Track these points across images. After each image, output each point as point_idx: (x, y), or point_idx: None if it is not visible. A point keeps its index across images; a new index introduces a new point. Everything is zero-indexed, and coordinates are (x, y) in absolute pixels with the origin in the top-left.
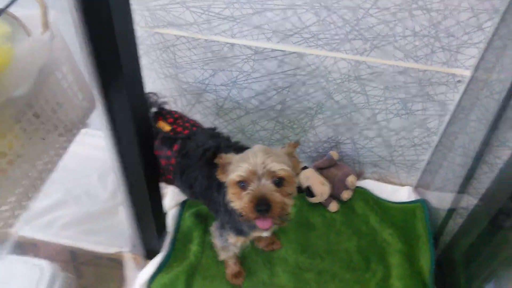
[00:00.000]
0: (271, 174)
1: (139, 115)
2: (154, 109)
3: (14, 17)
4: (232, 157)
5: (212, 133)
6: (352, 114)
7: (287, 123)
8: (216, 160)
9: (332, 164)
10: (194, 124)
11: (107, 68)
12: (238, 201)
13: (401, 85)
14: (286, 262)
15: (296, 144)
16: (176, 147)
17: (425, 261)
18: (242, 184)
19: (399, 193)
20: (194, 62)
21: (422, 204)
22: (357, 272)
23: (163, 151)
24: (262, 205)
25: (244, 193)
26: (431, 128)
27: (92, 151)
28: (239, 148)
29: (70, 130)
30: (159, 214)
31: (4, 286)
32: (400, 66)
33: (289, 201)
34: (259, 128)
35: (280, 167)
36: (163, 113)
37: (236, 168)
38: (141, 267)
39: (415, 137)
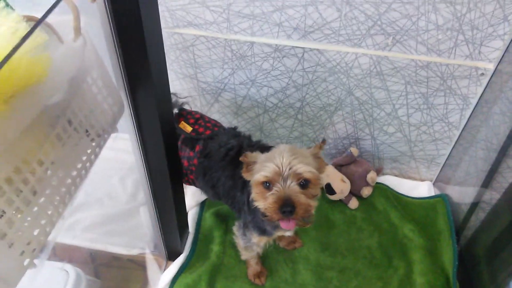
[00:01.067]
0: (297, 176)
1: (165, 117)
2: (175, 110)
3: (48, 24)
4: (257, 155)
5: (234, 132)
6: (373, 109)
7: (306, 120)
8: (241, 158)
9: (352, 160)
10: (216, 124)
11: (136, 72)
12: (262, 201)
13: (423, 80)
14: (308, 261)
15: (323, 144)
16: (198, 147)
17: (448, 257)
18: (267, 184)
19: (419, 189)
20: (213, 61)
21: (443, 199)
22: (379, 269)
23: (185, 152)
24: (286, 207)
25: (268, 193)
26: (452, 122)
27: (112, 153)
28: (262, 147)
29: (101, 136)
30: (182, 215)
31: None
32: (422, 60)
33: (314, 203)
34: (277, 126)
35: (306, 169)
36: (183, 114)
37: (261, 168)
38: (163, 268)
39: (436, 132)
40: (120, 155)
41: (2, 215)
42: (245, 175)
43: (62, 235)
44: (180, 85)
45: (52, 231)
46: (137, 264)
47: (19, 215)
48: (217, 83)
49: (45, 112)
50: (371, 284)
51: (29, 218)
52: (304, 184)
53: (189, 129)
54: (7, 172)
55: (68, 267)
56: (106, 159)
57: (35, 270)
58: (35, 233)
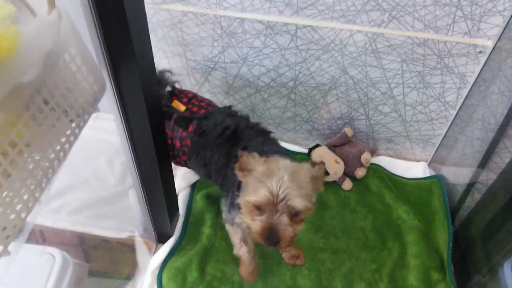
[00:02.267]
0: (290, 209)
1: (150, 95)
2: (168, 88)
3: None
4: (254, 161)
5: (229, 111)
6: (368, 88)
7: (299, 100)
8: (239, 155)
9: (346, 141)
10: (209, 103)
11: (118, 48)
12: (250, 220)
13: (420, 58)
14: (300, 242)
15: (324, 168)
16: (191, 127)
17: (442, 238)
18: (258, 207)
19: (414, 169)
20: (202, 39)
21: (438, 179)
22: (373, 251)
23: (178, 132)
24: (272, 238)
25: (257, 217)
26: (449, 101)
27: (97, 134)
28: (260, 131)
29: (80, 116)
30: (171, 197)
31: (17, 276)
32: (419, 37)
33: (300, 227)
34: (270, 106)
35: (301, 203)
36: (176, 93)
37: (256, 187)
38: (153, 251)
39: (432, 111)
40: (108, 136)
41: None
42: (238, 174)
43: (49, 218)
44: (168, 64)
45: (28, 216)
46: (126, 247)
47: None
48: (207, 62)
49: (18, 90)
50: (365, 266)
51: (2, 203)
52: (295, 214)
53: (182, 108)
54: None
55: (55, 251)
56: (93, 140)
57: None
58: (10, 218)
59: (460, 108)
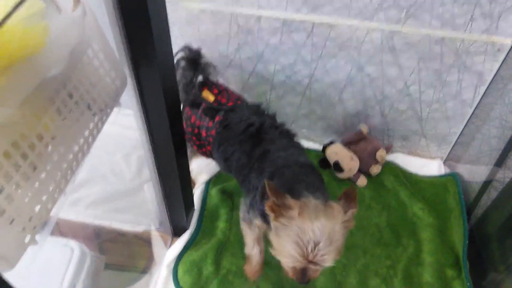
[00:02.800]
0: (322, 265)
1: (169, 90)
2: (200, 79)
3: None
4: (288, 204)
5: (257, 109)
6: (384, 86)
7: (315, 97)
8: (269, 190)
9: (361, 138)
10: (239, 98)
11: (140, 44)
12: (282, 256)
13: (437, 56)
14: None
15: (355, 212)
16: (218, 118)
17: (458, 236)
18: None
19: (429, 167)
20: (218, 36)
21: (454, 177)
22: (388, 247)
23: (204, 122)
24: (303, 279)
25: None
26: (465, 99)
27: (114, 129)
28: (285, 133)
29: (103, 110)
30: (187, 191)
31: (37, 267)
32: (437, 35)
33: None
34: (285, 103)
35: (332, 261)
36: (208, 83)
37: (289, 250)
38: (168, 245)
39: (448, 109)
40: (124, 131)
41: (1, 191)
42: (269, 214)
43: (66, 211)
44: None
45: (54, 207)
46: (142, 240)
47: (19, 191)
48: (223, 59)
49: (44, 85)
50: (380, 262)
51: (29, 194)
52: None
53: (211, 98)
54: (5, 146)
55: (73, 243)
56: (110, 135)
57: (39, 247)
58: (36, 209)
59: (477, 106)
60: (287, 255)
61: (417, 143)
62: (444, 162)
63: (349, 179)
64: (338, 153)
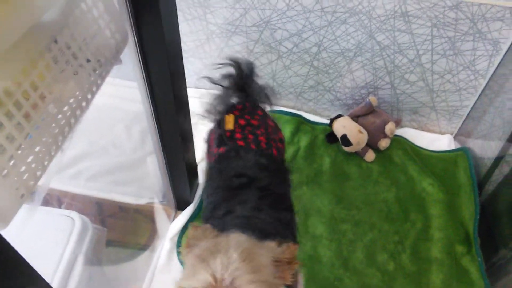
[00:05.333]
0: None
1: (172, 51)
2: (234, 100)
3: None
4: (204, 236)
5: (267, 165)
6: (395, 55)
7: (323, 67)
8: (190, 227)
9: (370, 111)
10: (260, 142)
11: None
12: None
13: (451, 22)
14: (321, 213)
15: (295, 249)
16: (222, 149)
17: (468, 211)
18: None
19: (439, 142)
20: (224, 0)
21: (465, 152)
22: (396, 223)
23: (212, 145)
24: None
25: None
26: (479, 70)
27: (114, 101)
28: (268, 195)
29: (103, 66)
30: (191, 163)
31: (37, 237)
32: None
33: None
34: (291, 74)
35: None
36: (244, 109)
37: (194, 270)
38: (172, 218)
39: (460, 81)
40: (125, 103)
41: None
42: (182, 252)
43: (67, 184)
44: (188, 27)
45: (50, 164)
46: (144, 216)
47: (11, 142)
48: (228, 25)
49: (39, 28)
50: (387, 238)
51: (23, 146)
52: None
53: (229, 126)
54: None
55: (74, 214)
56: (110, 107)
57: (34, 213)
58: (32, 163)
59: (490, 77)
60: (190, 276)
61: (427, 117)
62: (455, 137)
63: (356, 153)
64: (346, 126)
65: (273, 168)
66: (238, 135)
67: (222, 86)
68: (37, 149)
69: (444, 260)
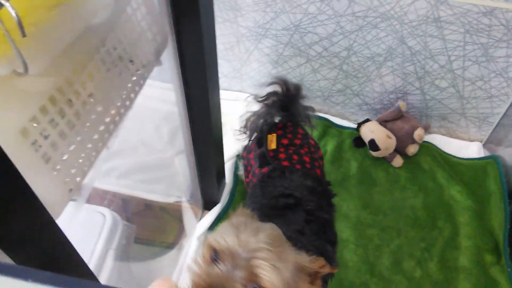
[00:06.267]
0: (251, 276)
1: (209, 54)
2: (277, 119)
3: None
4: (244, 214)
5: (313, 187)
6: (426, 61)
7: (351, 71)
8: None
9: (399, 116)
10: (305, 162)
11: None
12: (196, 265)
13: (485, 28)
14: (348, 218)
15: (323, 264)
16: (265, 169)
17: (498, 220)
18: (215, 255)
19: (468, 149)
20: (255, 4)
21: (495, 160)
22: (423, 230)
23: (254, 165)
24: None
25: (206, 265)
26: None
27: (145, 101)
28: (315, 217)
29: (145, 66)
30: (220, 164)
31: (69, 233)
32: (486, 6)
33: None
34: (320, 78)
35: (271, 276)
36: (286, 128)
37: (221, 231)
38: (199, 217)
39: (492, 88)
40: (155, 103)
41: (46, 137)
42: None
43: (99, 180)
44: (219, 30)
45: (96, 160)
46: (170, 215)
47: (63, 139)
48: (258, 29)
49: (90, 30)
50: (414, 244)
51: (73, 143)
52: None
53: (273, 146)
54: (50, 90)
55: (105, 210)
56: (141, 107)
57: (74, 211)
58: (80, 160)
59: None
60: (218, 234)
61: (457, 124)
62: (484, 145)
63: (384, 158)
64: (374, 131)
65: (319, 191)
66: (282, 156)
67: (266, 104)
68: (85, 145)
69: (472, 269)
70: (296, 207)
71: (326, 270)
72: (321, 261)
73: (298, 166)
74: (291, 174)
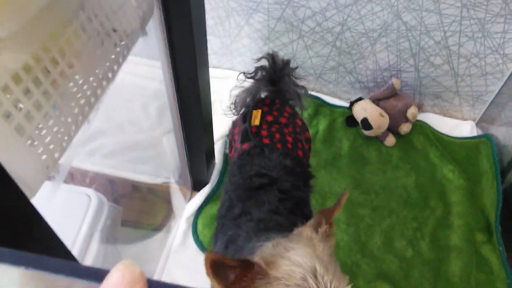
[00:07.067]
0: None
1: (198, 26)
2: (264, 94)
3: None
4: (263, 260)
5: (292, 167)
6: (421, 37)
7: (345, 48)
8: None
9: (392, 94)
10: (287, 142)
11: None
12: None
13: (482, 2)
14: (337, 196)
15: (340, 205)
16: (246, 145)
17: (490, 199)
18: None
19: (461, 128)
20: None
21: (488, 139)
22: (415, 209)
23: (237, 140)
24: None
25: None
26: (508, 54)
27: (132, 79)
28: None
29: (129, 36)
30: (210, 143)
31: (53, 213)
32: None
33: None
34: (312, 55)
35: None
36: (273, 105)
37: None
38: (188, 198)
39: (487, 65)
40: (142, 81)
41: (21, 108)
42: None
43: (82, 161)
44: (208, 3)
45: (76, 136)
46: (158, 196)
47: (38, 110)
48: (249, 2)
49: None
50: (406, 224)
51: (50, 115)
52: None
53: (256, 122)
54: (24, 57)
55: (90, 191)
56: (127, 85)
57: (57, 191)
58: (59, 135)
59: None
60: None
61: (450, 102)
62: (477, 124)
63: (376, 137)
64: (366, 109)
65: (297, 171)
66: (264, 132)
67: (254, 79)
68: (63, 118)
69: (463, 248)
70: (270, 186)
71: (336, 213)
72: (328, 218)
73: (279, 145)
74: (270, 153)
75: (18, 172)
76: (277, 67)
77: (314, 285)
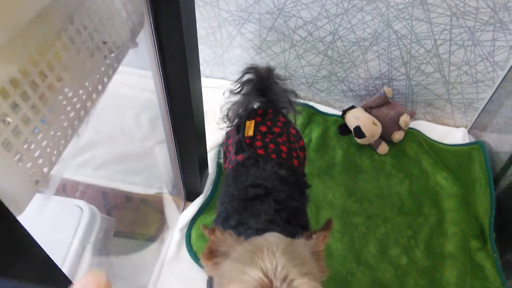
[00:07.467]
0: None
1: (189, 37)
2: (256, 105)
3: None
4: (231, 240)
5: (286, 177)
6: (412, 45)
7: (336, 57)
8: (207, 234)
9: (384, 102)
10: (281, 152)
11: None
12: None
13: (472, 11)
14: (333, 206)
15: (328, 230)
16: (240, 157)
17: (483, 206)
18: None
19: (453, 135)
20: None
21: (480, 146)
22: (409, 217)
23: (231, 151)
24: None
25: None
26: (498, 61)
27: (123, 89)
28: (283, 208)
29: (119, 47)
30: (202, 153)
31: (45, 226)
32: None
33: None
34: (304, 64)
35: (310, 284)
36: (266, 115)
37: (238, 275)
38: (181, 209)
39: (478, 73)
40: (134, 91)
41: (9, 123)
42: (204, 263)
43: (74, 173)
44: (200, 14)
45: (65, 149)
46: (151, 207)
47: (26, 125)
48: (241, 12)
49: (55, 7)
50: (400, 232)
51: (38, 129)
52: None
53: (250, 133)
54: (12, 71)
55: (82, 203)
56: (118, 96)
57: (46, 202)
58: (48, 149)
59: (510, 69)
60: (237, 281)
61: (442, 110)
62: (469, 131)
63: (369, 145)
64: (359, 117)
65: (292, 181)
66: (258, 143)
67: (242, 94)
68: (52, 132)
69: (458, 256)
70: (265, 197)
71: (327, 239)
72: (321, 234)
73: (273, 156)
74: (265, 163)
75: (6, 188)
76: (262, 76)
77: (265, 265)
